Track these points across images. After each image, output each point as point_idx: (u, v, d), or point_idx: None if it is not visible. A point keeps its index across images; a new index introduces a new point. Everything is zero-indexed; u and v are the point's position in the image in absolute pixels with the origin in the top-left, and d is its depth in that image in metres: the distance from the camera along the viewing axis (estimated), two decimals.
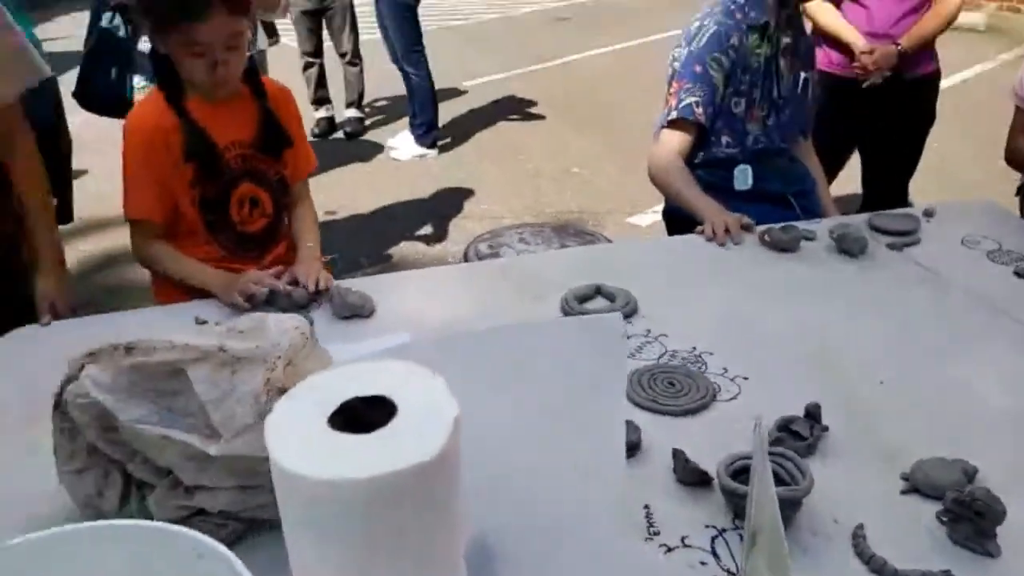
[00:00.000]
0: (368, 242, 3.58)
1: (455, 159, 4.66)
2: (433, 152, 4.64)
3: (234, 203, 1.52)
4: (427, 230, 3.70)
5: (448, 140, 4.86)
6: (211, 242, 1.52)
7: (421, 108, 4.58)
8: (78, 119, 2.66)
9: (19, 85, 1.48)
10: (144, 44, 2.54)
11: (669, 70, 1.87)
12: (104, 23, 2.52)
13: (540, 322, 1.28)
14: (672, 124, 1.82)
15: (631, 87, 5.79)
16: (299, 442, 0.59)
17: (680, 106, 1.79)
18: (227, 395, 0.85)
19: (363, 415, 0.62)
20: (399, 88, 4.79)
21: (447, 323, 1.30)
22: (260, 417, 0.82)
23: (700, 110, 1.79)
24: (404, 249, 3.52)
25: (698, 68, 1.79)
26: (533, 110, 5.56)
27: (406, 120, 4.80)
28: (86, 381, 0.87)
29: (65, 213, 2.61)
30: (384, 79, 5.31)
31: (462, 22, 9.28)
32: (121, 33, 2.53)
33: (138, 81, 2.55)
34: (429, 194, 4.13)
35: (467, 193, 4.14)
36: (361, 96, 5.09)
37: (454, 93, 5.73)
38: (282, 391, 0.80)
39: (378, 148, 4.83)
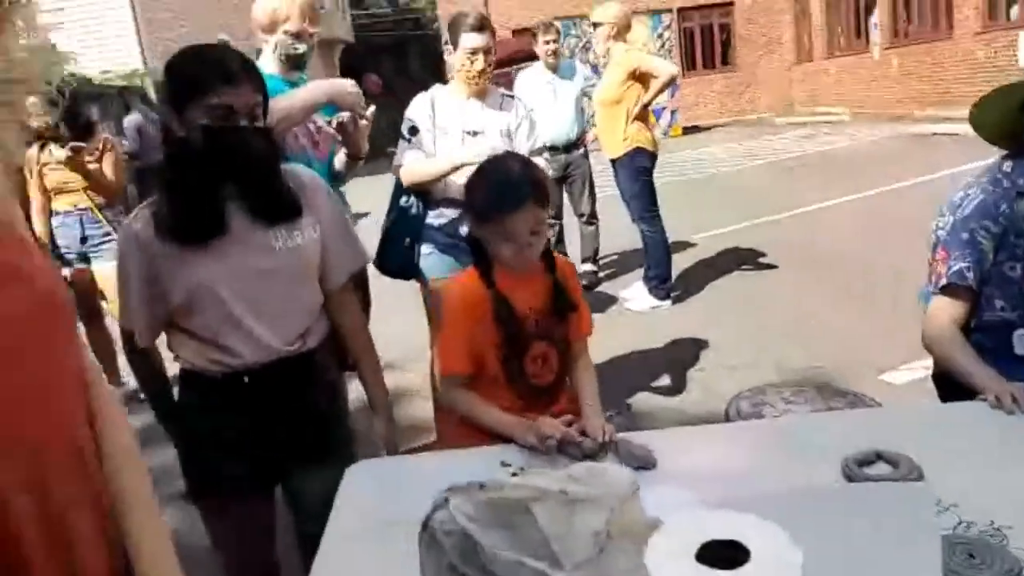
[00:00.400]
0: (606, 391, 3.73)
1: (689, 310, 4.79)
2: (667, 303, 4.81)
3: (529, 360, 1.76)
4: (665, 381, 3.80)
5: (680, 292, 5.02)
6: (508, 392, 1.76)
7: (656, 262, 4.82)
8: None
9: (353, 268, 1.84)
10: (433, 219, 3.02)
11: (932, 238, 1.91)
12: (402, 203, 3.03)
13: (840, 487, 1.33)
14: (943, 291, 1.83)
15: (866, 237, 5.68)
16: (677, 573, 0.73)
17: (950, 272, 1.81)
18: (567, 530, 1.01)
19: (720, 555, 0.75)
20: (630, 243, 5.10)
21: (731, 482, 1.39)
22: (599, 551, 0.98)
23: (971, 275, 1.80)
24: (643, 400, 3.63)
25: (964, 235, 1.82)
26: (765, 260, 5.61)
27: (639, 272, 5.05)
28: (455, 512, 1.08)
29: None
30: (617, 234, 5.68)
31: (690, 177, 9.65)
32: (414, 211, 3.02)
33: (425, 248, 3.01)
34: (664, 345, 4.26)
35: (702, 344, 4.22)
36: (596, 251, 5.46)
37: (685, 246, 5.95)
38: (619, 531, 0.95)
39: (612, 300, 5.10)
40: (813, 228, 6.39)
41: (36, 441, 0.73)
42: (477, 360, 1.74)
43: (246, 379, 1.65)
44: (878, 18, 14.37)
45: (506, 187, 1.68)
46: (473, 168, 2.70)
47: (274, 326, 1.65)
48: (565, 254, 5.46)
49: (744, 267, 5.52)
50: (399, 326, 3.60)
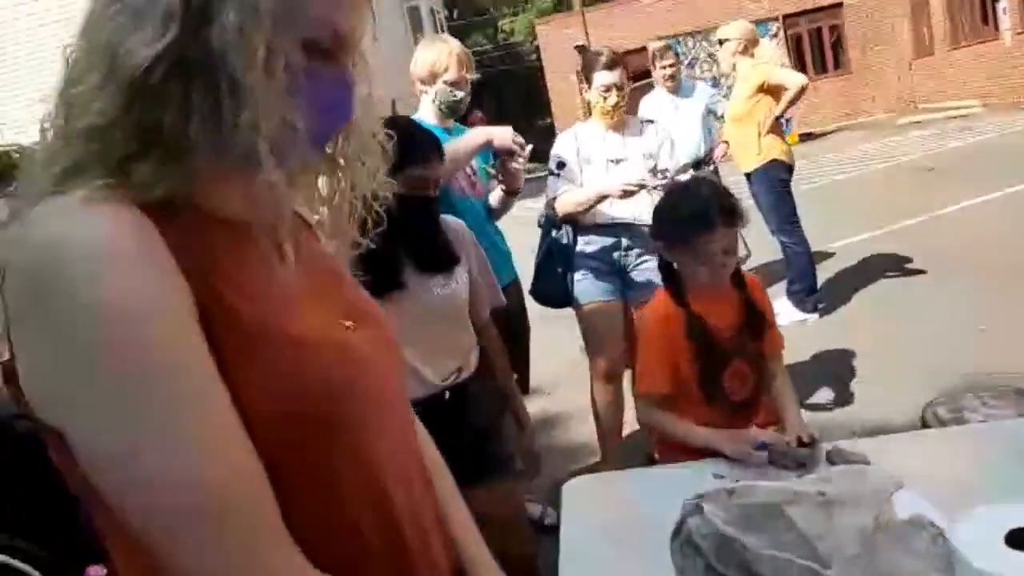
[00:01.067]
0: None
1: (838, 322, 4.68)
2: (814, 316, 4.72)
3: (727, 376, 1.82)
4: (826, 395, 3.72)
5: (826, 303, 4.91)
6: (707, 410, 1.82)
7: (800, 275, 4.74)
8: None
9: (493, 304, 2.08)
10: (583, 246, 3.13)
11: None
12: (554, 234, 3.17)
13: None
14: None
15: (1016, 236, 5.36)
16: (989, 556, 0.78)
17: None
18: (829, 530, 1.08)
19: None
20: (770, 255, 5.02)
21: (966, 486, 1.38)
22: (866, 549, 1.04)
23: None
24: (808, 416, 3.56)
25: None
26: (910, 266, 5.40)
27: (782, 286, 4.98)
28: (710, 516, 1.16)
29: (523, 386, 3.20)
30: (755, 248, 5.59)
31: (817, 184, 9.37)
32: (565, 241, 3.14)
33: (578, 275, 3.12)
34: (818, 359, 4.17)
35: (857, 355, 4.11)
36: None
37: (824, 256, 5.80)
38: (886, 526, 1.01)
39: None
40: (956, 230, 6.09)
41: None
42: (675, 379, 1.82)
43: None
44: (1007, 1, 13.56)
45: (699, 211, 1.77)
46: (616, 195, 2.84)
47: (434, 364, 1.85)
48: None
49: (889, 274, 5.33)
50: (553, 352, 3.71)
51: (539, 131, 28.60)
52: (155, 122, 0.66)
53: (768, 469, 1.59)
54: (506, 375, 2.11)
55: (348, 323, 0.82)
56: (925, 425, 1.95)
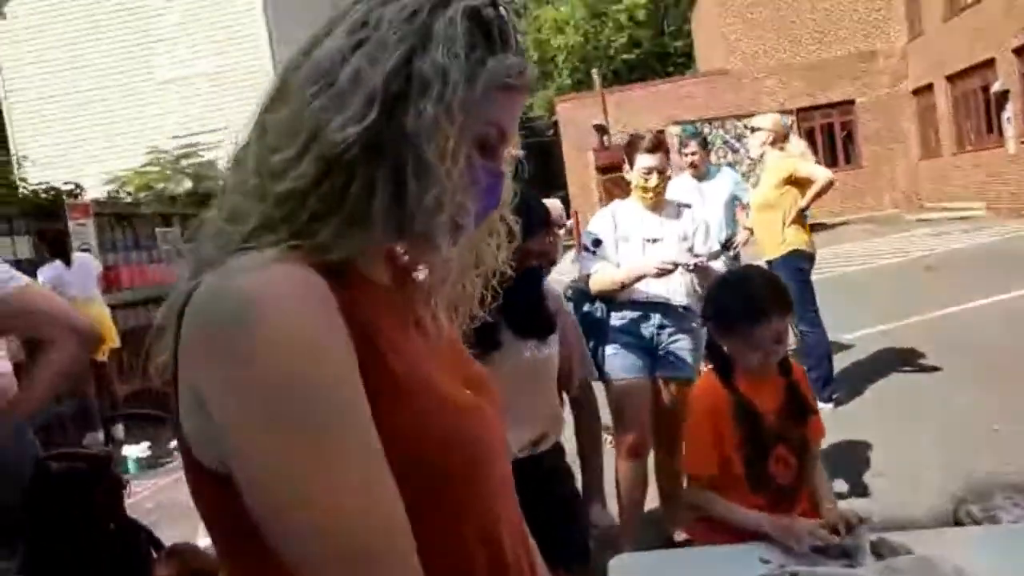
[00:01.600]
0: None
1: (853, 413, 4.70)
2: (829, 406, 4.74)
3: (772, 461, 1.86)
4: (840, 486, 3.72)
5: (841, 394, 4.94)
6: (751, 493, 1.85)
7: (817, 363, 4.79)
8: None
9: (583, 375, 2.11)
10: (616, 320, 3.20)
11: None
12: (586, 309, 3.23)
13: None
14: None
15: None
16: None
17: None
18: None
19: None
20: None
21: None
22: None
23: None
24: None
25: None
26: (925, 361, 5.45)
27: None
28: None
29: None
30: None
31: (827, 275, 9.46)
32: (598, 315, 3.21)
33: (610, 350, 3.17)
34: (833, 450, 4.17)
35: (873, 448, 4.11)
36: None
37: (839, 346, 5.86)
38: None
39: None
40: (967, 329, 6.17)
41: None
42: (721, 462, 1.86)
43: None
44: (1012, 111, 14.00)
45: (753, 299, 1.84)
46: (649, 273, 2.92)
47: (512, 429, 1.81)
48: None
49: (904, 368, 5.38)
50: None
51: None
52: (342, 193, 0.72)
53: (815, 556, 1.62)
54: (594, 449, 2.07)
55: (467, 391, 0.87)
56: (958, 522, 1.97)
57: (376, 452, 0.69)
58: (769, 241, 4.83)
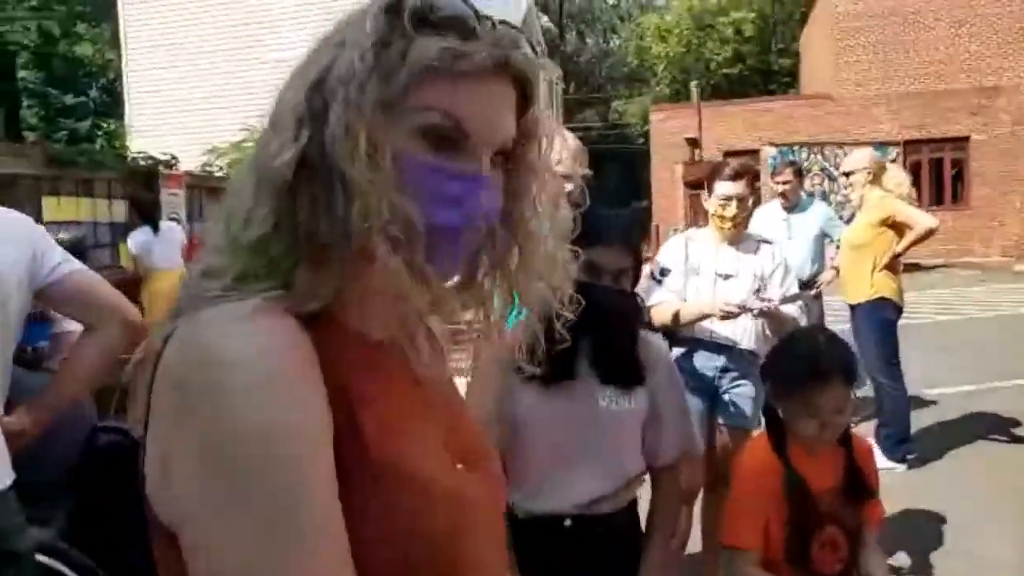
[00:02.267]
0: None
1: (929, 478, 4.38)
2: (902, 467, 4.44)
3: (816, 543, 1.70)
4: (903, 560, 3.46)
5: (918, 455, 4.62)
6: (788, 575, 1.70)
7: (893, 419, 4.49)
8: None
9: (677, 450, 1.81)
10: (676, 358, 3.03)
11: None
12: None
13: None
14: None
15: None
16: None
17: None
18: None
19: None
20: (862, 390, 4.77)
21: None
22: None
23: None
24: None
25: None
26: (1016, 431, 5.04)
27: (869, 426, 4.72)
28: None
29: None
30: None
31: (916, 322, 8.96)
32: None
33: None
34: (900, 517, 3.90)
35: (946, 521, 3.82)
36: None
37: (921, 402, 5.50)
38: None
39: None
40: None
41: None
42: (764, 536, 1.71)
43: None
44: None
45: (814, 362, 1.69)
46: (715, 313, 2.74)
47: (568, 480, 1.66)
48: None
49: (991, 435, 4.99)
50: None
51: (633, 211, 28.64)
52: (295, 227, 0.68)
53: None
54: (662, 543, 1.79)
55: (460, 466, 0.79)
56: None
57: (333, 536, 0.63)
58: (855, 284, 4.56)
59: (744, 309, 2.76)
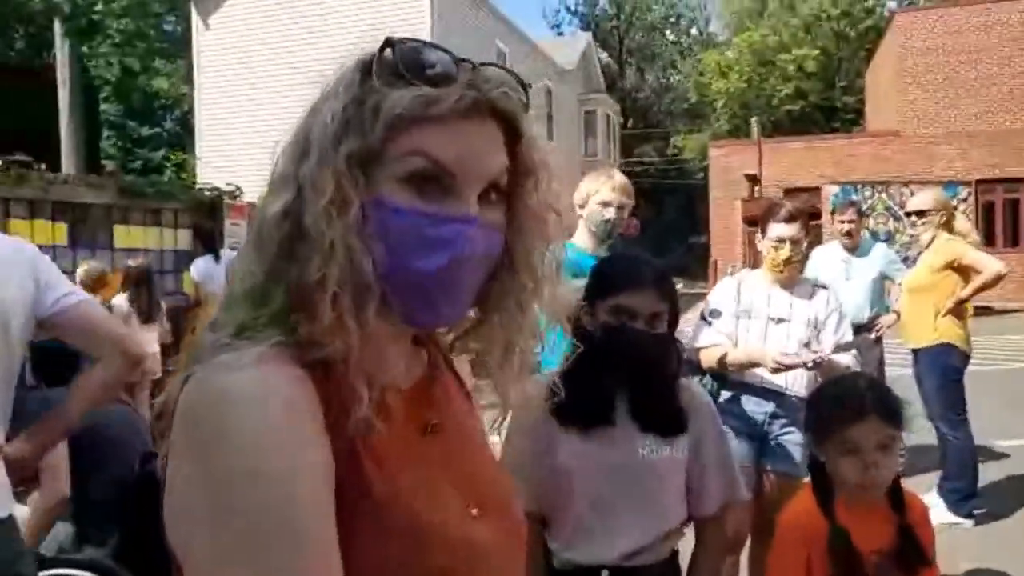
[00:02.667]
0: None
1: (995, 535, 4.14)
2: (968, 523, 4.21)
3: None
4: None
5: (985, 511, 4.38)
6: None
7: (958, 472, 4.27)
8: None
9: (721, 500, 1.75)
10: (726, 402, 2.96)
11: None
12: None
13: None
14: None
15: None
16: None
17: None
18: None
19: None
20: (923, 438, 4.56)
21: None
22: None
23: None
24: None
25: None
26: None
27: (932, 476, 4.51)
28: None
29: None
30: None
31: (987, 368, 8.58)
32: (709, 388, 2.98)
33: None
34: (962, 574, 3.70)
35: None
36: None
37: (990, 453, 5.22)
38: None
39: None
40: None
41: None
42: None
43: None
44: None
45: (847, 399, 1.63)
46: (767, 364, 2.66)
47: (606, 533, 1.62)
48: None
49: None
50: None
51: (691, 247, 28.42)
52: (291, 279, 0.70)
53: None
54: None
55: (475, 511, 0.78)
56: None
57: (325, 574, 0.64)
58: (918, 329, 4.38)
59: (797, 364, 2.67)
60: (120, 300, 5.56)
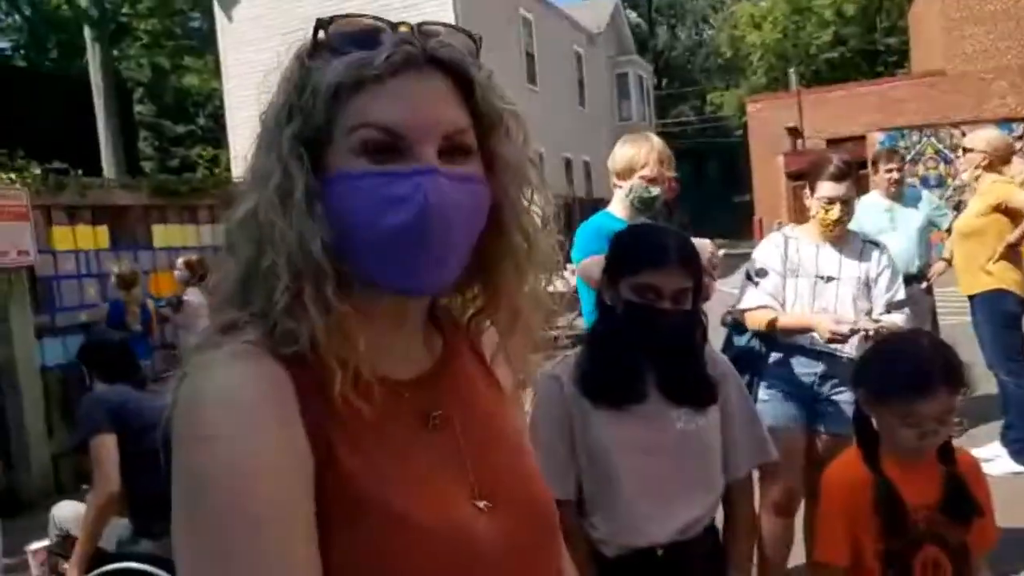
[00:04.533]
0: None
1: None
2: None
3: (917, 564, 1.55)
4: None
5: None
6: None
7: (1018, 420, 4.12)
8: None
9: (754, 462, 1.78)
10: (775, 364, 2.87)
11: None
12: (742, 342, 2.92)
13: None
14: None
15: None
16: None
17: None
18: None
19: None
20: (984, 388, 4.40)
21: None
22: None
23: None
24: None
25: None
26: None
27: (995, 426, 4.36)
28: None
29: None
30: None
31: None
32: (757, 349, 2.89)
33: (764, 395, 2.85)
34: (1015, 533, 3.56)
35: None
36: None
37: None
38: None
39: None
40: None
41: None
42: (854, 553, 1.58)
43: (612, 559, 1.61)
44: None
45: (916, 370, 1.53)
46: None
47: (656, 512, 1.60)
48: None
49: None
50: None
51: (735, 207, 27.89)
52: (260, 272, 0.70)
53: None
54: (746, 553, 1.78)
55: (482, 503, 0.75)
56: None
57: (299, 570, 0.63)
58: (970, 275, 4.22)
59: (854, 332, 2.56)
60: (195, 293, 5.63)
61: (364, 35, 0.70)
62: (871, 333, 2.51)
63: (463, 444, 0.77)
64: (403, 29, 0.70)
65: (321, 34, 0.71)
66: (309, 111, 0.69)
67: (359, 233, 0.69)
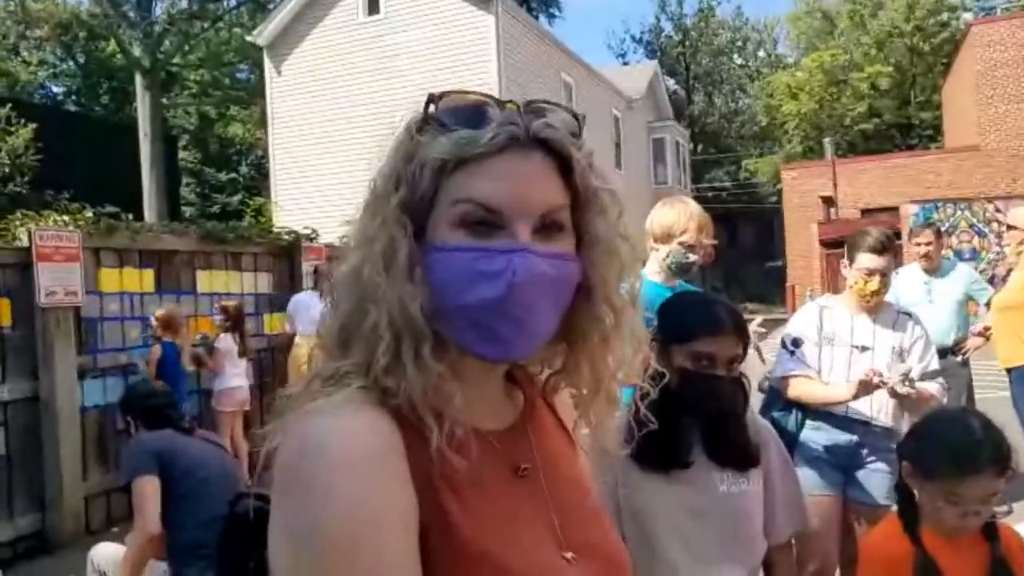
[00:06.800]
0: None
1: None
2: None
3: None
4: None
5: None
6: None
7: None
8: None
9: (792, 529, 1.77)
10: (810, 430, 2.86)
11: None
12: (777, 413, 2.90)
13: None
14: None
15: None
16: None
17: None
18: None
19: None
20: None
21: None
22: None
23: None
24: None
25: None
26: None
27: None
28: None
29: None
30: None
31: None
32: (792, 428, 2.87)
33: (798, 462, 2.83)
34: None
35: None
36: None
37: None
38: None
39: None
40: None
41: None
42: None
43: None
44: None
45: (965, 451, 1.54)
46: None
47: (697, 571, 1.60)
48: None
49: None
50: None
51: (767, 272, 27.74)
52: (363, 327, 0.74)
53: None
54: None
55: (569, 554, 0.77)
56: None
57: None
58: (1010, 347, 4.17)
59: (884, 384, 2.56)
60: (225, 340, 5.78)
61: (471, 112, 0.73)
62: (899, 389, 2.53)
63: (548, 495, 0.79)
64: (510, 108, 0.74)
65: (431, 108, 0.74)
66: (416, 182, 0.73)
67: (453, 301, 0.72)
